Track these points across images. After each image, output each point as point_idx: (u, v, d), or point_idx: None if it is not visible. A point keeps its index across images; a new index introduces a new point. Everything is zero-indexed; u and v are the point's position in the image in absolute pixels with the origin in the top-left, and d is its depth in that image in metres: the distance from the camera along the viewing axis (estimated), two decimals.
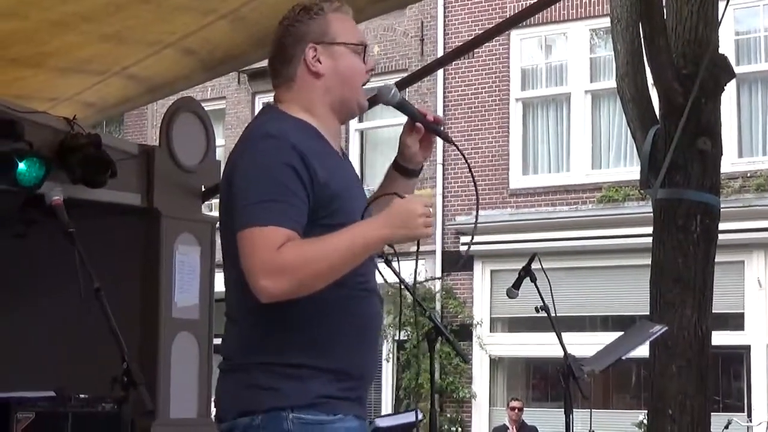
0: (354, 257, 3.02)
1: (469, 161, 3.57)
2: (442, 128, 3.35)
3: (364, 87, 3.29)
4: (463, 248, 18.67)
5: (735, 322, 16.62)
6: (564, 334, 5.86)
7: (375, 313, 3.23)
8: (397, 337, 18.06)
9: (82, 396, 6.10)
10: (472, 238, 3.95)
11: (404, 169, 3.42)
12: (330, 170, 3.11)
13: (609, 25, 8.74)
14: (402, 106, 3.30)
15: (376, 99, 3.39)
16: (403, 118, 3.36)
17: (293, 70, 3.24)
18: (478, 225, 18.63)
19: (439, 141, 3.32)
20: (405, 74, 16.48)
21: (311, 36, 3.22)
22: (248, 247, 2.99)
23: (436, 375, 18.04)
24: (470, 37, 15.13)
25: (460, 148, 3.36)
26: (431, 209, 3.16)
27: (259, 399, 3.06)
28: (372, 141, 20.08)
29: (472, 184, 18.70)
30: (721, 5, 8.03)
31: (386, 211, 3.07)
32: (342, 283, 3.06)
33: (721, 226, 7.96)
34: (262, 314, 3.07)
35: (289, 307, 3.04)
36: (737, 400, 16.91)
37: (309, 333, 3.08)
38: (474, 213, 18.89)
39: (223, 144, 21.78)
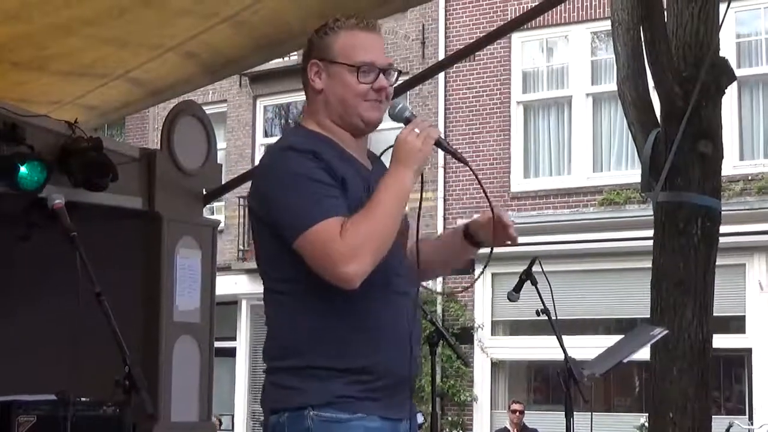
0: (401, 206, 3.16)
1: (476, 174, 3.62)
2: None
3: (377, 102, 3.34)
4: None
5: (736, 325, 16.62)
6: (565, 338, 5.86)
7: (400, 314, 3.27)
8: None
9: (83, 399, 6.11)
10: (488, 263, 3.94)
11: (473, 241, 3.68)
12: (342, 167, 3.23)
13: (610, 28, 8.74)
14: (407, 121, 3.32)
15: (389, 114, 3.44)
16: (394, 123, 3.40)
17: (306, 83, 3.39)
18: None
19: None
20: (406, 77, 16.47)
21: (316, 52, 3.35)
22: (313, 249, 3.10)
23: (438, 378, 18.04)
24: (471, 40, 15.13)
25: (467, 161, 3.42)
26: (419, 123, 3.27)
27: (284, 398, 3.22)
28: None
29: (473, 187, 18.76)
30: (722, 8, 8.03)
31: (394, 158, 3.19)
32: (343, 293, 3.14)
33: (723, 229, 7.96)
34: (284, 322, 3.26)
35: (306, 313, 3.20)
36: (738, 403, 16.91)
37: (326, 336, 3.19)
38: (475, 215, 18.87)
39: (225, 147, 21.84)
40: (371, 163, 3.44)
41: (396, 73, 3.42)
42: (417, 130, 3.21)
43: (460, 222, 3.31)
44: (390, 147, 3.27)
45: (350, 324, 3.19)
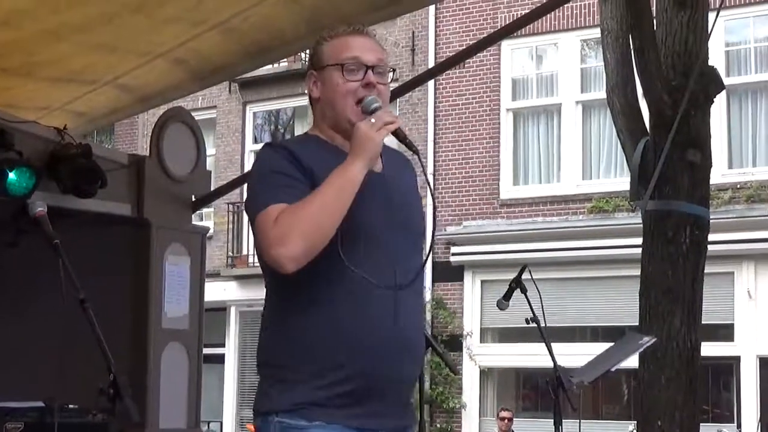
0: (342, 194, 3.13)
1: (459, 175, 3.62)
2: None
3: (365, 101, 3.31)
4: (454, 259, 18.69)
5: (725, 333, 16.64)
6: (554, 345, 5.87)
7: (380, 317, 3.20)
8: None
9: (71, 406, 6.09)
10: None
11: None
12: (315, 160, 3.25)
13: (599, 35, 8.75)
14: (373, 113, 3.27)
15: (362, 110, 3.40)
16: None
17: (309, 95, 3.46)
18: (470, 235, 18.70)
19: (430, 151, 3.36)
20: (396, 84, 16.49)
21: (311, 64, 3.43)
22: (256, 235, 3.20)
23: (426, 385, 18.03)
24: (461, 48, 15.16)
25: (419, 153, 3.36)
26: (378, 114, 3.24)
27: (258, 402, 3.28)
28: None
29: (464, 193, 18.79)
30: (711, 16, 8.04)
31: (350, 149, 3.20)
32: (319, 289, 3.17)
33: (711, 237, 7.97)
34: (264, 326, 3.31)
35: (277, 316, 3.25)
36: (727, 411, 16.93)
37: (293, 338, 3.20)
38: (465, 223, 18.93)
39: (214, 153, 21.82)
40: (391, 165, 3.40)
41: (391, 72, 3.42)
42: (373, 120, 3.20)
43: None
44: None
45: (316, 326, 3.17)
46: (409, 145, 3.29)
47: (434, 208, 3.51)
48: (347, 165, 3.16)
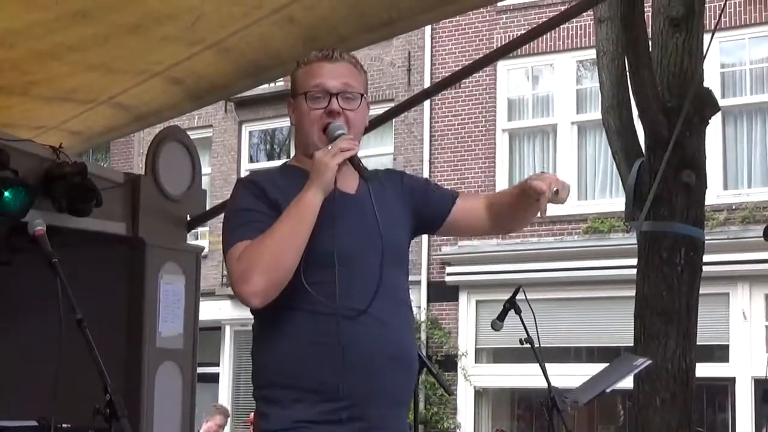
0: (298, 223, 3.18)
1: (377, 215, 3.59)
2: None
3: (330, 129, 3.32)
4: (449, 279, 18.67)
5: (720, 354, 16.65)
6: (549, 366, 5.88)
7: (369, 334, 3.23)
8: None
9: (64, 426, 6.07)
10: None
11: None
12: (283, 192, 3.28)
13: (595, 57, 8.78)
14: (332, 141, 3.29)
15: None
16: (380, 149, 3.43)
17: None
18: (465, 255, 18.69)
19: (425, 171, 3.37)
20: (392, 104, 16.52)
21: (291, 91, 3.44)
22: (228, 269, 3.26)
23: (421, 406, 18.00)
24: (457, 68, 15.17)
25: (368, 180, 3.32)
26: (338, 141, 3.26)
27: (259, 423, 3.31)
28: None
29: None
30: (707, 38, 8.07)
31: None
32: (301, 311, 3.22)
33: (706, 258, 7.98)
34: (253, 348, 3.35)
35: (266, 338, 3.29)
36: None
37: (284, 359, 3.24)
38: (461, 242, 18.92)
39: (210, 172, 21.81)
40: (379, 185, 3.38)
41: (359, 96, 3.38)
42: (329, 147, 3.23)
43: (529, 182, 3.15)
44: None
45: (306, 346, 3.21)
46: (361, 172, 3.27)
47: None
48: (302, 192, 3.20)
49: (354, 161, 3.23)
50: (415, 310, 18.61)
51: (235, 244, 3.22)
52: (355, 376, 3.20)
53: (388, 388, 3.27)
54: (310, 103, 3.33)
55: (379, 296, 3.24)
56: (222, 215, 3.58)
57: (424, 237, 19.11)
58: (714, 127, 14.00)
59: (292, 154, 3.54)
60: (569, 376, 9.69)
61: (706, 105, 7.99)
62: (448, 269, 18.76)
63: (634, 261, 8.01)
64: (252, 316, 3.39)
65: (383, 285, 3.25)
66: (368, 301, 3.22)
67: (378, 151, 19.45)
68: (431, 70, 19.80)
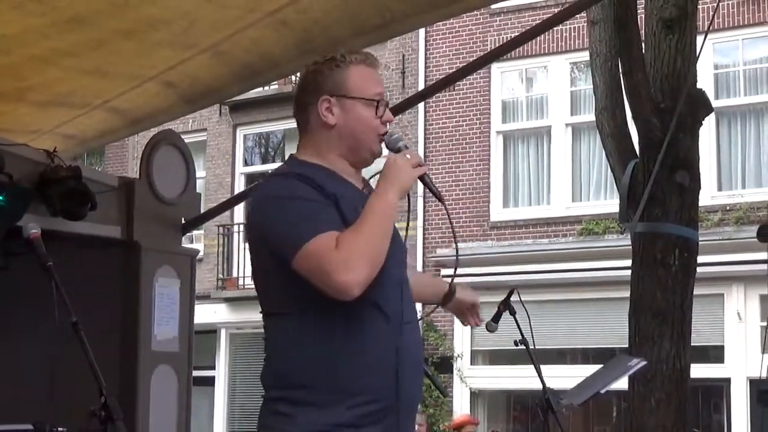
0: (387, 221, 3.21)
1: (449, 197, 3.69)
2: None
3: (382, 134, 3.42)
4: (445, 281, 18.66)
5: (715, 354, 16.67)
6: (544, 367, 5.88)
7: (407, 338, 3.31)
8: None
9: (60, 429, 6.07)
10: (455, 272, 3.98)
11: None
12: (335, 187, 3.29)
13: (589, 59, 8.79)
14: (399, 150, 3.39)
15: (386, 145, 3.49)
16: None
17: (307, 116, 3.41)
18: (460, 257, 18.67)
19: None
20: None
21: (327, 88, 3.36)
22: (311, 263, 3.14)
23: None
24: (451, 70, 15.19)
25: (444, 201, 3.49)
26: (411, 152, 3.39)
27: (276, 423, 3.24)
28: None
29: (453, 216, 18.79)
30: (700, 39, 8.08)
31: (382, 178, 3.26)
32: (350, 311, 3.20)
33: (701, 259, 7.99)
34: (280, 348, 3.28)
35: (307, 338, 3.22)
36: None
37: (328, 360, 3.20)
38: (455, 246, 18.92)
39: (204, 176, 21.83)
40: (364, 188, 3.47)
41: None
42: (408, 156, 3.30)
43: (445, 278, 3.34)
44: (377, 174, 3.33)
45: (350, 347, 3.21)
46: (435, 193, 3.41)
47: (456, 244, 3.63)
48: (385, 193, 3.22)
49: (425, 179, 3.36)
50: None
51: (322, 234, 3.14)
52: (405, 381, 3.26)
53: (418, 393, 3.39)
54: (370, 110, 3.38)
55: (407, 302, 3.36)
56: (216, 218, 3.59)
57: (419, 239, 19.14)
58: (708, 128, 14.06)
59: (287, 157, 3.53)
60: (564, 377, 9.69)
61: (700, 106, 8.00)
62: (443, 271, 18.77)
63: (628, 262, 8.02)
64: (249, 319, 3.39)
65: (405, 290, 3.38)
66: (400, 305, 3.30)
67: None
68: (425, 72, 19.83)
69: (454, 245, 18.93)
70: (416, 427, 10.93)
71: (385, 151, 3.44)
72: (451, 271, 18.70)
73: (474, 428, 13.78)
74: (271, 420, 3.25)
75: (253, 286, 3.43)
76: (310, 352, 3.21)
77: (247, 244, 3.47)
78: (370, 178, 3.49)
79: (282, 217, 3.20)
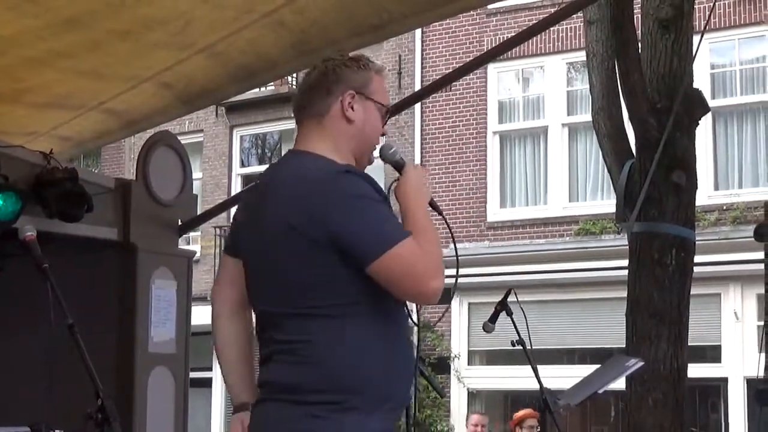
0: (435, 230, 3.29)
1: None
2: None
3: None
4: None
5: (712, 354, 16.67)
6: (541, 367, 5.89)
7: (409, 346, 3.38)
8: None
9: (57, 431, 6.07)
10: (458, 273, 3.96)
11: None
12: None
13: (585, 59, 8.79)
14: (398, 166, 3.44)
15: (380, 154, 3.52)
16: None
17: (327, 106, 3.38)
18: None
19: None
20: None
21: (354, 83, 3.39)
22: (401, 265, 3.14)
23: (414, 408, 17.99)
24: (448, 71, 15.19)
25: (443, 213, 3.62)
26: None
27: (319, 429, 3.15)
28: None
29: (450, 217, 18.79)
30: (696, 39, 8.08)
31: (418, 189, 3.35)
32: (393, 317, 3.27)
33: (698, 258, 7.99)
34: (321, 351, 3.18)
35: (360, 341, 3.18)
36: None
37: (379, 365, 3.20)
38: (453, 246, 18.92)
39: (201, 177, 21.81)
40: None
41: None
42: (419, 167, 3.44)
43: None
44: (396, 181, 3.38)
45: (394, 353, 3.24)
46: (434, 206, 3.49)
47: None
48: (424, 205, 3.33)
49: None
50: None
51: (407, 237, 3.16)
52: (409, 386, 3.34)
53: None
54: (379, 119, 3.44)
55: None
56: (213, 220, 3.57)
57: None
58: (704, 128, 14.06)
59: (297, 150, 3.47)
60: (561, 377, 9.70)
61: (696, 106, 8.00)
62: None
63: (625, 262, 8.02)
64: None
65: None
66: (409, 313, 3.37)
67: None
68: (422, 73, 19.82)
69: (451, 246, 18.94)
70: (479, 428, 10.59)
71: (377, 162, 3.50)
72: (448, 272, 18.66)
73: (535, 421, 13.70)
74: (311, 425, 3.14)
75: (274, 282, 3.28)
76: (364, 357, 3.17)
77: (278, 237, 3.25)
78: (389, 187, 3.44)
79: (365, 217, 3.16)
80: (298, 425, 3.16)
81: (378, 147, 3.47)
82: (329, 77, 3.38)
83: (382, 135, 3.47)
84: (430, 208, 3.43)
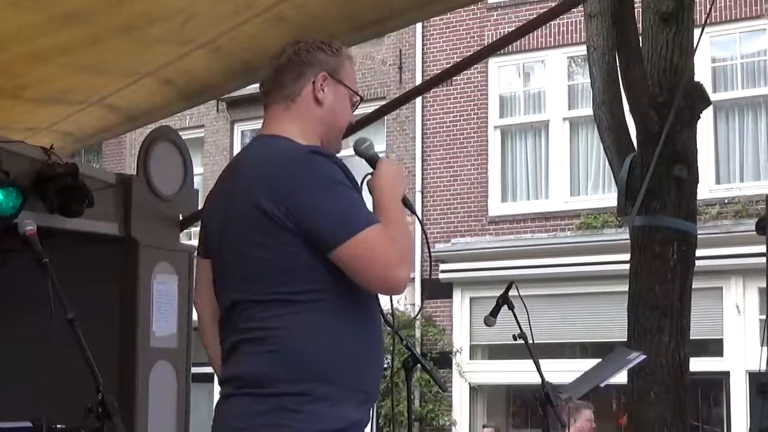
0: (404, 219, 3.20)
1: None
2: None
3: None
4: (443, 276, 18.69)
5: (714, 348, 16.67)
6: (543, 361, 5.88)
7: (381, 335, 3.28)
8: None
9: (58, 426, 6.07)
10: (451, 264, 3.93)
11: None
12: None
13: (586, 52, 8.78)
14: (372, 161, 3.33)
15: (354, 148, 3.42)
16: None
17: (298, 89, 3.31)
18: (458, 252, 18.68)
19: (418, 168, 3.43)
20: (383, 102, 16.50)
21: (326, 66, 3.32)
22: (363, 254, 3.02)
23: (417, 403, 18.02)
24: (448, 65, 15.18)
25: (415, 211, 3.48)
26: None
27: (296, 422, 3.03)
28: None
29: (452, 211, 18.80)
30: (697, 33, 8.08)
31: (392, 180, 3.24)
32: (364, 304, 3.16)
33: (699, 252, 7.99)
34: (295, 340, 3.06)
35: (330, 329, 3.08)
36: (717, 427, 16.93)
37: (349, 353, 3.11)
38: (454, 240, 18.92)
39: (201, 172, 21.79)
40: None
41: None
42: (394, 163, 3.35)
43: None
44: (369, 174, 3.27)
45: (365, 342, 3.16)
46: (407, 205, 3.34)
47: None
48: (397, 197, 3.21)
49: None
50: (409, 307, 18.64)
51: (373, 225, 3.04)
52: (380, 376, 3.26)
53: None
54: (348, 105, 3.37)
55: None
56: None
57: (417, 235, 19.12)
58: (705, 122, 14.04)
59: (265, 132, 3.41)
60: (563, 371, 9.70)
61: (697, 99, 8.00)
62: (442, 266, 18.76)
63: (627, 256, 8.01)
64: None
65: None
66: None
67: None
68: (423, 67, 19.80)
69: (453, 240, 18.94)
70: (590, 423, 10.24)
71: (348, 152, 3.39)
72: (450, 266, 18.70)
73: None
74: (282, 417, 3.03)
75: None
76: (334, 345, 3.07)
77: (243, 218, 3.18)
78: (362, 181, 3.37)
79: (330, 201, 3.05)
80: (267, 419, 3.05)
81: (349, 139, 3.45)
82: (302, 60, 3.32)
83: (350, 124, 3.41)
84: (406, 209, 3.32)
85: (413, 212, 3.39)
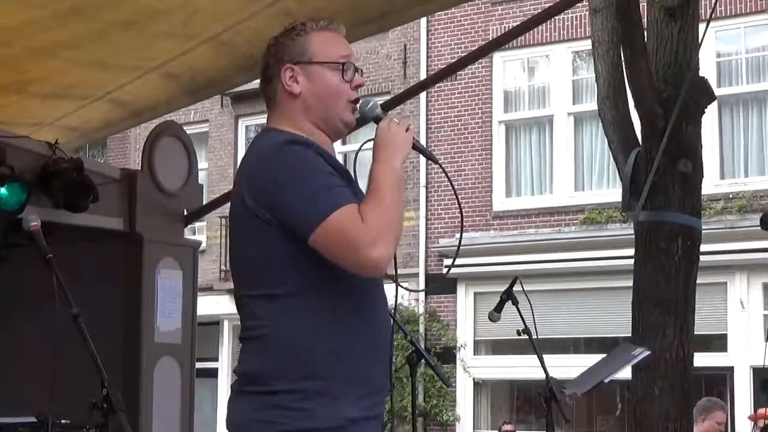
0: (402, 196, 3.09)
1: (453, 182, 3.60)
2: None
3: (354, 102, 3.26)
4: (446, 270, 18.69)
5: (718, 343, 16.66)
6: (547, 357, 5.88)
7: (385, 326, 3.19)
8: None
9: (63, 422, 6.08)
10: (454, 260, 3.96)
11: None
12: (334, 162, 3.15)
13: (591, 47, 8.77)
14: (378, 122, 3.24)
15: (359, 110, 3.34)
16: None
17: (273, 90, 3.25)
18: (463, 247, 18.67)
19: (422, 165, 3.37)
20: (388, 97, 16.51)
21: (289, 56, 3.22)
22: (335, 238, 2.95)
23: (421, 398, 18.03)
24: (453, 60, 15.17)
25: (443, 167, 3.35)
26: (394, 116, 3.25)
27: (287, 419, 3.00)
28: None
29: (456, 206, 18.78)
30: (702, 27, 8.06)
31: (381, 147, 3.11)
32: (358, 294, 3.08)
33: (704, 247, 7.97)
34: (290, 333, 3.03)
35: (318, 322, 3.03)
36: None
37: (339, 346, 3.04)
38: (458, 235, 18.91)
39: (206, 167, 21.82)
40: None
41: (361, 74, 3.33)
42: (396, 120, 3.18)
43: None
44: (369, 140, 3.20)
45: (361, 333, 3.08)
46: (429, 155, 3.29)
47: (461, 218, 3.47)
48: (390, 161, 3.08)
49: (417, 144, 3.22)
50: (413, 302, 18.65)
51: (346, 206, 2.96)
52: (387, 370, 3.17)
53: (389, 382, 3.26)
54: (337, 75, 3.21)
55: (380, 283, 3.22)
56: (218, 210, 3.51)
57: (422, 229, 19.13)
58: (710, 117, 14.05)
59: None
60: (567, 366, 9.70)
61: (702, 94, 7.97)
62: (446, 261, 18.77)
63: (631, 251, 8.00)
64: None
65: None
66: (378, 286, 3.18)
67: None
68: (427, 62, 19.80)
69: (456, 235, 18.93)
70: (718, 426, 9.97)
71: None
72: (458, 261, 18.68)
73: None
74: (275, 415, 3.00)
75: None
76: (327, 339, 3.02)
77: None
78: (361, 146, 3.38)
79: (300, 187, 2.99)
80: (260, 416, 3.02)
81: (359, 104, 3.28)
82: (269, 60, 3.26)
83: (358, 87, 3.26)
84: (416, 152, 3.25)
85: (429, 158, 3.32)
